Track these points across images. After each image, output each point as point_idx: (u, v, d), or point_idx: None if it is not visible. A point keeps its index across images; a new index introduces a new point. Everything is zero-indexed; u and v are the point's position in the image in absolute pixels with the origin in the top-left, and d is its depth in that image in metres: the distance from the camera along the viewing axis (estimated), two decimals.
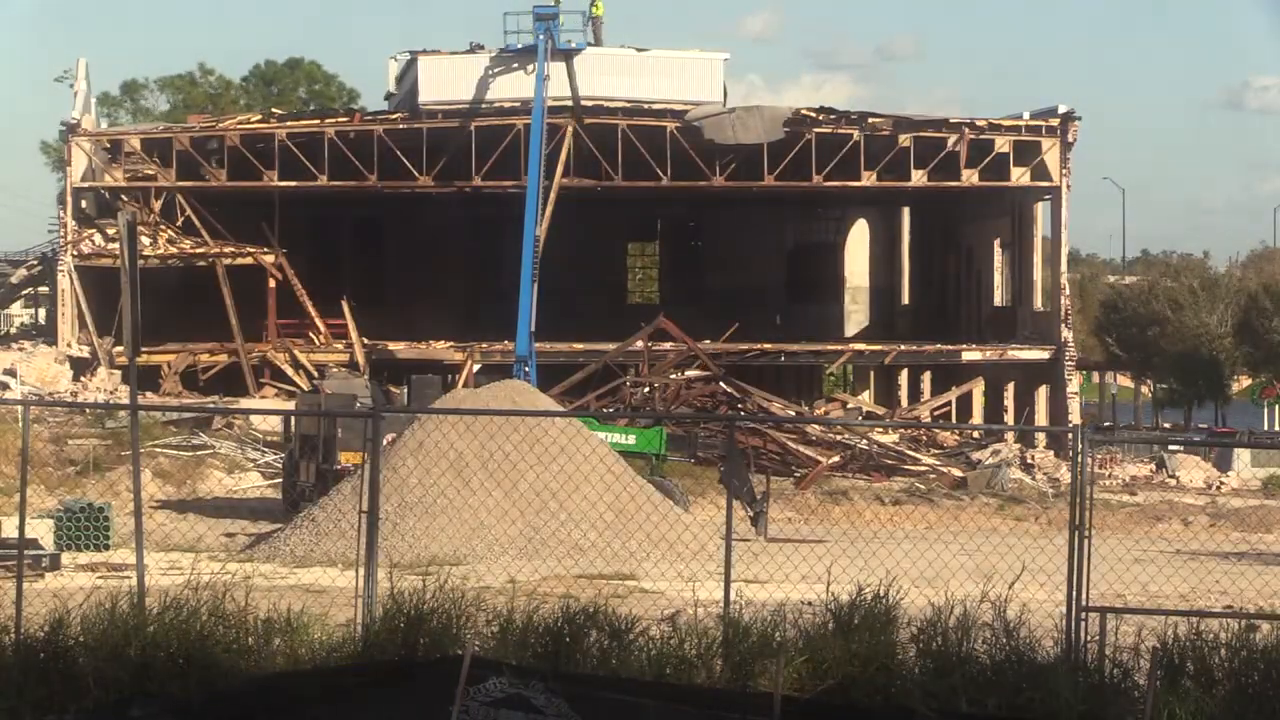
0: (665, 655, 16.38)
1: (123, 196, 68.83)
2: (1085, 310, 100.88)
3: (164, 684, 15.45)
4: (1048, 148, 69.82)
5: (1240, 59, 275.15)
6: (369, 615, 16.99)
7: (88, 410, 57.09)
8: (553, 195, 66.33)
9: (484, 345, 67.03)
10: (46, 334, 72.22)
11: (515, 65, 67.86)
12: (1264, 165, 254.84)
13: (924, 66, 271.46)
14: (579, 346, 66.22)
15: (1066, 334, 69.05)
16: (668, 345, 65.33)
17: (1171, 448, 66.22)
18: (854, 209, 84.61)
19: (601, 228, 79.70)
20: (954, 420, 70.80)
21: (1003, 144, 70.11)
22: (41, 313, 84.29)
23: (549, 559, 35.58)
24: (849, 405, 75.53)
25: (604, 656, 16.25)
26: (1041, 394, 71.12)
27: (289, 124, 71.00)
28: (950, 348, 71.82)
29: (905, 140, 69.93)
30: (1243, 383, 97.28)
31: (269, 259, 69.59)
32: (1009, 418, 71.20)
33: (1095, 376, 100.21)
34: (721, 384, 62.16)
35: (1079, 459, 17.84)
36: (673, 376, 62.59)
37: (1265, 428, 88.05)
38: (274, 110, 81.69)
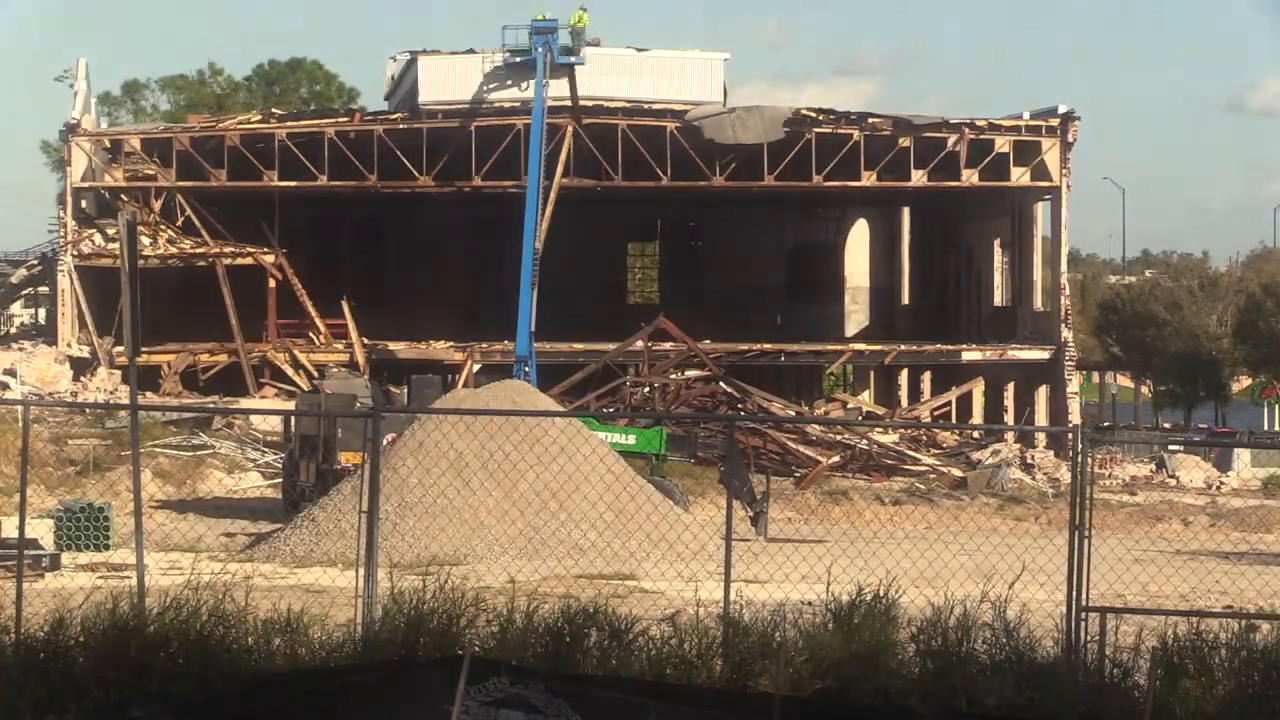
0: (665, 655, 16.38)
1: (123, 196, 68.84)
2: (1085, 310, 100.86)
3: (164, 684, 15.45)
4: (1048, 148, 69.84)
5: (1241, 60, 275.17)
6: (369, 615, 16.99)
7: (88, 410, 57.09)
8: (553, 195, 66.35)
9: (484, 345, 67.04)
10: (46, 334, 72.23)
11: (509, 82, 68.09)
12: (1265, 167, 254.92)
13: (926, 68, 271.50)
14: (579, 346, 66.22)
15: (1066, 334, 69.07)
16: (668, 345, 65.34)
17: (1171, 448, 66.23)
18: (854, 209, 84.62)
19: (601, 228, 79.72)
20: (954, 420, 70.82)
21: (1003, 144, 70.13)
22: (41, 313, 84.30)
23: (549, 559, 35.59)
24: (849, 405, 75.55)
25: (604, 656, 16.25)
26: (1041, 394, 71.14)
27: (289, 124, 71.03)
28: (950, 348, 71.84)
29: (905, 140, 69.95)
30: (1243, 383, 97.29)
31: (269, 259, 69.59)
32: (1009, 418, 71.21)
33: (1095, 376, 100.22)
34: (721, 384, 62.16)
35: (1079, 459, 17.83)
36: (673, 376, 62.59)
37: (1265, 428, 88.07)
38: (274, 110, 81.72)
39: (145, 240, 65.10)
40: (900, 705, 15.53)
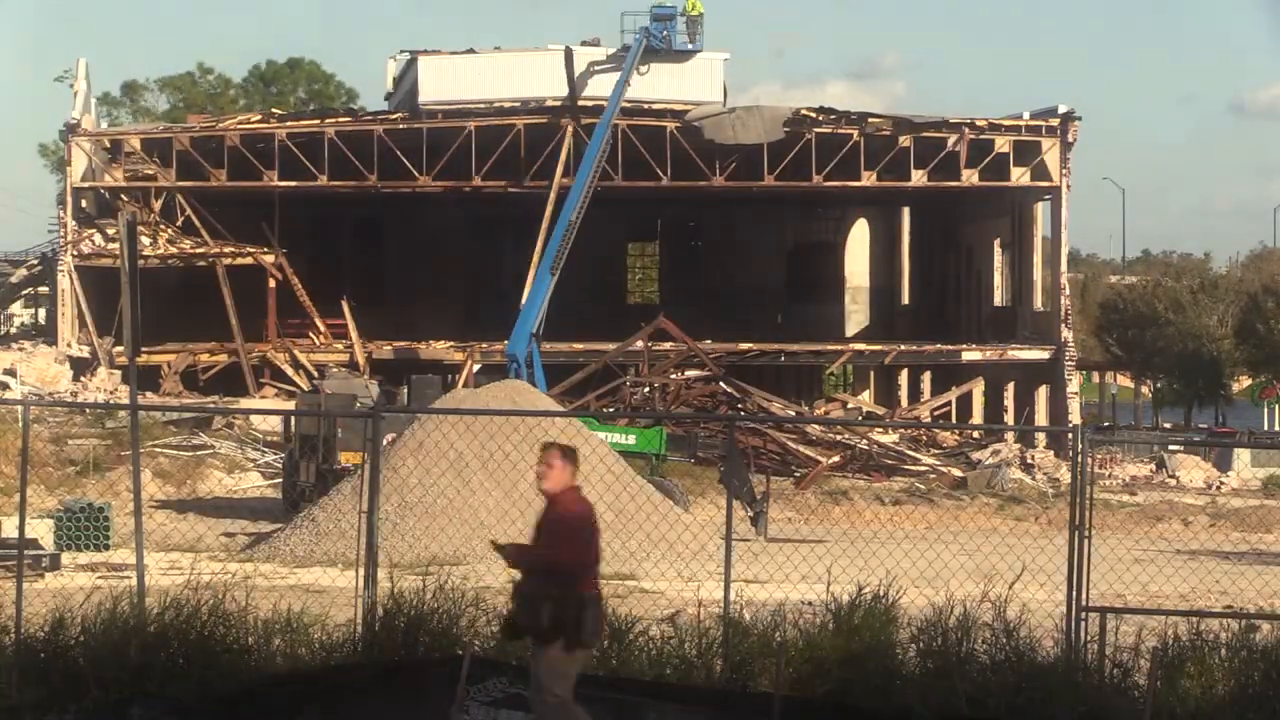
0: (665, 655, 16.38)
1: (123, 196, 68.83)
2: (1085, 310, 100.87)
3: (164, 684, 15.45)
4: (1048, 148, 69.84)
5: (1244, 62, 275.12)
6: (369, 615, 16.99)
7: (88, 410, 57.07)
8: (552, 195, 66.46)
9: (484, 345, 67.02)
10: (46, 334, 72.21)
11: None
12: (1266, 168, 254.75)
13: (930, 69, 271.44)
14: (579, 346, 66.20)
15: (1066, 334, 69.07)
16: (668, 345, 65.33)
17: (1171, 448, 66.24)
18: (854, 209, 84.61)
19: (601, 228, 79.71)
20: (954, 420, 70.81)
21: (1003, 144, 70.13)
22: (41, 313, 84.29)
23: None
24: (849, 405, 75.56)
25: (604, 656, 16.25)
26: (1041, 394, 71.14)
27: (289, 124, 71.04)
28: (950, 348, 71.83)
29: (905, 140, 69.96)
30: (1243, 383, 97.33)
31: (269, 259, 69.59)
32: (1009, 418, 71.21)
33: (1095, 376, 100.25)
34: (721, 384, 62.15)
35: (1079, 459, 17.83)
36: (673, 376, 62.58)
37: (1265, 428, 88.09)
38: (274, 110, 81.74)
39: (145, 240, 65.09)
40: (900, 705, 15.53)
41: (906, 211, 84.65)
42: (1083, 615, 17.09)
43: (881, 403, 74.81)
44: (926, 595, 17.50)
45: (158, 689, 15.36)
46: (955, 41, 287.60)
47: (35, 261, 78.84)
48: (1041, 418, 70.19)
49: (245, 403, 63.96)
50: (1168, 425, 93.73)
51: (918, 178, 70.89)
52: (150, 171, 69.80)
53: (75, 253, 67.77)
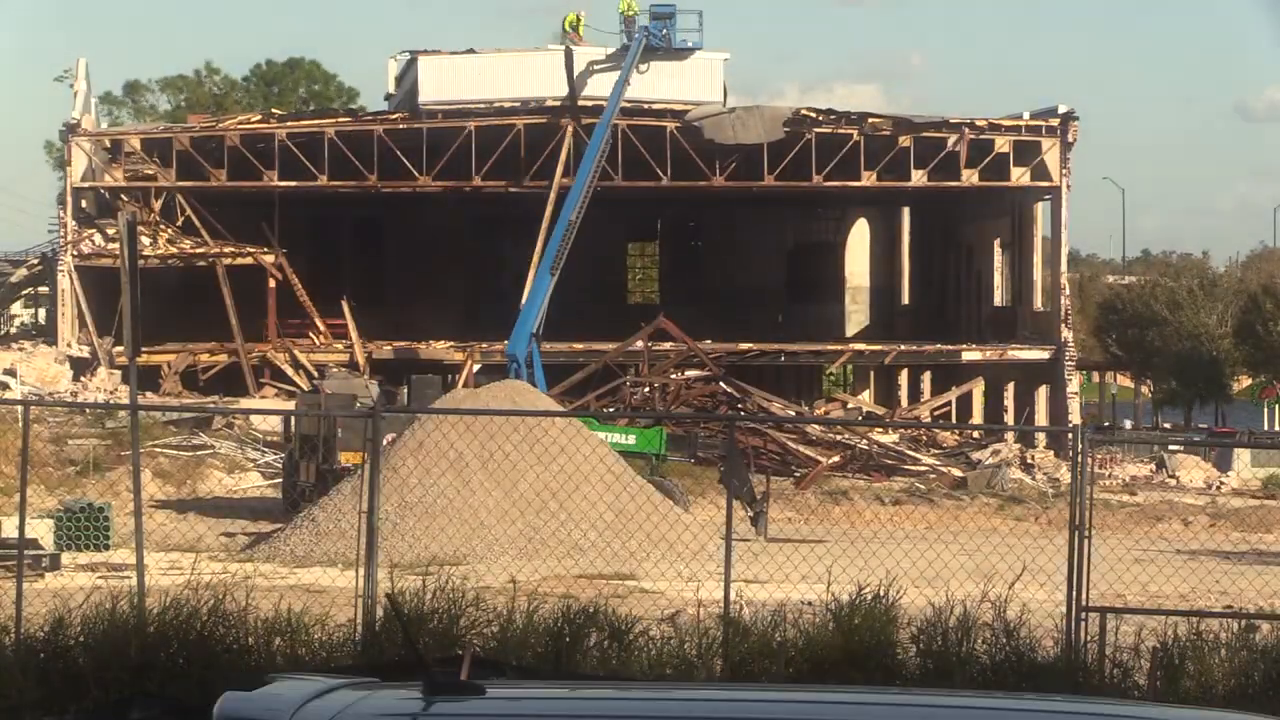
0: (665, 655, 16.38)
1: (123, 196, 68.82)
2: (1085, 310, 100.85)
3: (164, 684, 15.45)
4: (1048, 148, 69.84)
5: (1245, 65, 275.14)
6: (369, 615, 16.99)
7: (88, 410, 57.07)
8: (552, 195, 66.45)
9: (484, 345, 67.03)
10: (46, 334, 72.20)
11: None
12: (1268, 170, 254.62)
13: (933, 70, 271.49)
14: (579, 346, 66.20)
15: (1066, 334, 69.06)
16: (668, 345, 65.33)
17: (1171, 448, 66.23)
18: (854, 209, 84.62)
19: (601, 228, 79.70)
20: (954, 420, 70.80)
21: (1003, 144, 70.13)
22: (41, 313, 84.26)
23: (549, 559, 35.59)
24: (849, 405, 75.55)
25: (604, 656, 16.25)
26: (1041, 394, 71.13)
27: (289, 124, 71.04)
28: (950, 348, 71.83)
29: (905, 140, 69.95)
30: (1243, 383, 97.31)
31: (269, 259, 69.59)
32: (1009, 418, 71.19)
33: (1095, 376, 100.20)
34: (721, 384, 62.15)
35: (1079, 459, 17.84)
36: (673, 376, 62.57)
37: (1265, 428, 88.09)
38: (274, 110, 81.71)
39: (145, 240, 65.06)
40: None
41: (906, 211, 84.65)
42: (1083, 615, 17.10)
43: (881, 403, 74.80)
44: (926, 595, 17.50)
45: (158, 689, 15.35)
46: (955, 41, 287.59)
47: (35, 261, 78.81)
48: (1041, 418, 70.18)
49: (245, 403, 63.95)
50: (1167, 425, 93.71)
51: (918, 178, 70.89)
52: (150, 171, 69.81)
53: (75, 253, 67.78)
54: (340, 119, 71.82)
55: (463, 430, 37.41)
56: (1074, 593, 17.21)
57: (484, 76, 70.36)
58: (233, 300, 67.50)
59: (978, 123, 70.36)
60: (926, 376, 75.72)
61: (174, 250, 68.80)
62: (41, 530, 36.44)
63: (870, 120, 70.34)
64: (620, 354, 65.24)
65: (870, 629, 16.45)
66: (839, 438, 61.38)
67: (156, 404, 59.01)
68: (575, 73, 69.89)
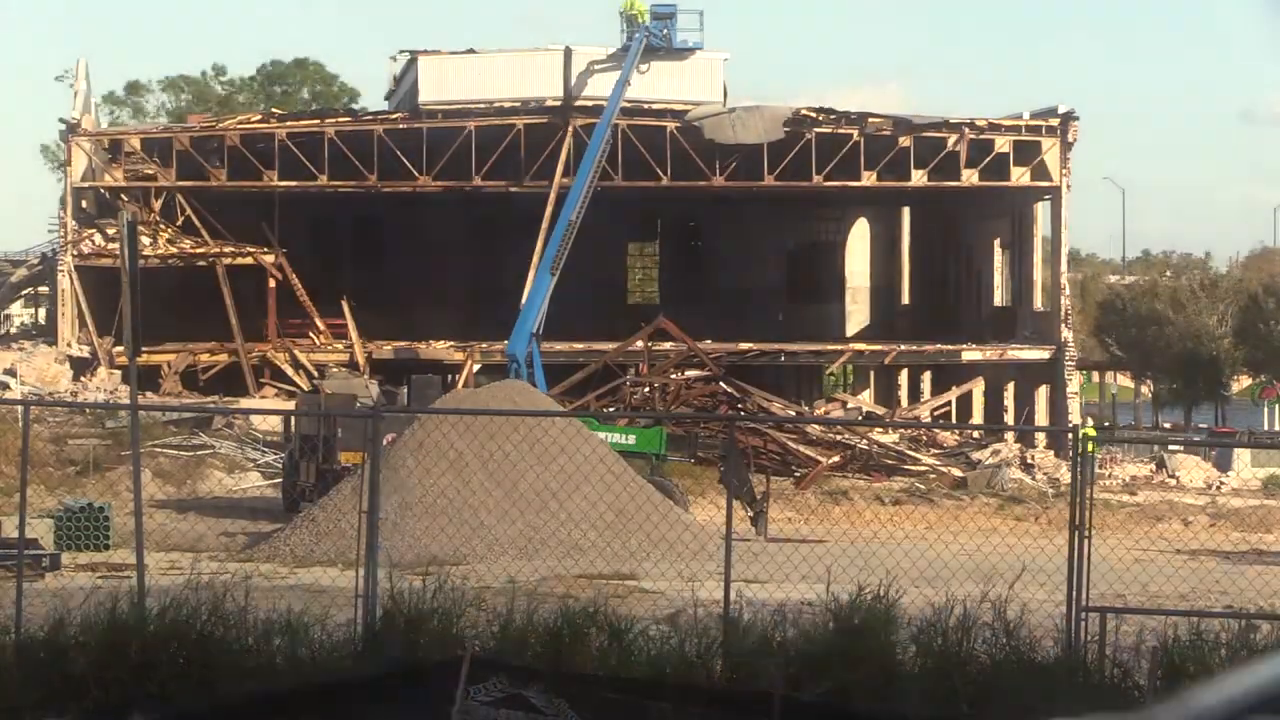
0: (665, 655, 16.38)
1: (123, 196, 68.82)
2: (1085, 310, 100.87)
3: (164, 684, 15.45)
4: (1048, 148, 69.84)
5: (1248, 67, 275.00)
6: (369, 615, 16.99)
7: (88, 410, 57.07)
8: (552, 195, 66.46)
9: (484, 345, 67.02)
10: (46, 334, 72.20)
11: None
12: (1271, 175, 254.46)
13: (933, 70, 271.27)
14: (579, 346, 66.20)
15: (1066, 334, 69.06)
16: (668, 345, 65.32)
17: (1171, 448, 66.24)
18: (854, 209, 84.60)
19: (601, 228, 79.67)
20: (954, 420, 70.79)
21: (1003, 144, 70.13)
22: (41, 313, 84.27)
23: (549, 559, 35.57)
24: (849, 405, 75.52)
25: (604, 656, 16.25)
26: (1041, 394, 71.12)
27: (289, 124, 71.02)
28: (950, 348, 71.82)
29: (905, 140, 69.95)
30: (1243, 383, 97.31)
31: (269, 259, 69.59)
32: (1009, 418, 71.18)
33: (1095, 376, 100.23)
34: (721, 384, 62.13)
35: (1079, 459, 17.83)
36: (673, 376, 62.56)
37: (1265, 428, 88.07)
38: (274, 110, 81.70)
39: (145, 240, 65.05)
40: (900, 705, 15.52)
41: (907, 211, 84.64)
42: (1083, 615, 17.10)
43: (881, 403, 74.77)
44: (926, 595, 17.50)
45: (158, 689, 15.36)
46: (955, 41, 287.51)
47: (35, 261, 78.84)
48: (1041, 418, 70.17)
49: (245, 403, 63.96)
50: (1168, 425, 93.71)
51: (918, 178, 70.89)
52: (150, 171, 69.80)
53: (75, 253, 67.77)
54: (340, 119, 71.82)
55: (463, 430, 37.41)
56: (1074, 593, 17.21)
57: (484, 77, 70.35)
58: (233, 300, 67.50)
59: (978, 123, 70.36)
60: (926, 376, 75.68)
61: (174, 250, 68.80)
62: (41, 530, 36.42)
63: (870, 120, 70.33)
64: (620, 354, 65.23)
65: (870, 629, 16.44)
66: (839, 438, 61.37)
67: (156, 404, 59.01)
68: (575, 73, 69.90)
